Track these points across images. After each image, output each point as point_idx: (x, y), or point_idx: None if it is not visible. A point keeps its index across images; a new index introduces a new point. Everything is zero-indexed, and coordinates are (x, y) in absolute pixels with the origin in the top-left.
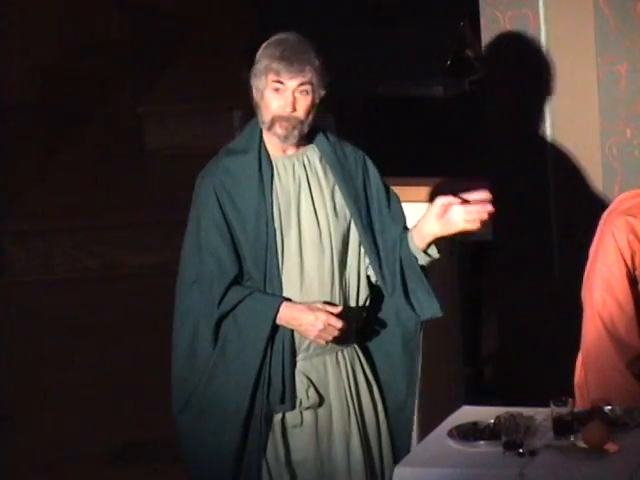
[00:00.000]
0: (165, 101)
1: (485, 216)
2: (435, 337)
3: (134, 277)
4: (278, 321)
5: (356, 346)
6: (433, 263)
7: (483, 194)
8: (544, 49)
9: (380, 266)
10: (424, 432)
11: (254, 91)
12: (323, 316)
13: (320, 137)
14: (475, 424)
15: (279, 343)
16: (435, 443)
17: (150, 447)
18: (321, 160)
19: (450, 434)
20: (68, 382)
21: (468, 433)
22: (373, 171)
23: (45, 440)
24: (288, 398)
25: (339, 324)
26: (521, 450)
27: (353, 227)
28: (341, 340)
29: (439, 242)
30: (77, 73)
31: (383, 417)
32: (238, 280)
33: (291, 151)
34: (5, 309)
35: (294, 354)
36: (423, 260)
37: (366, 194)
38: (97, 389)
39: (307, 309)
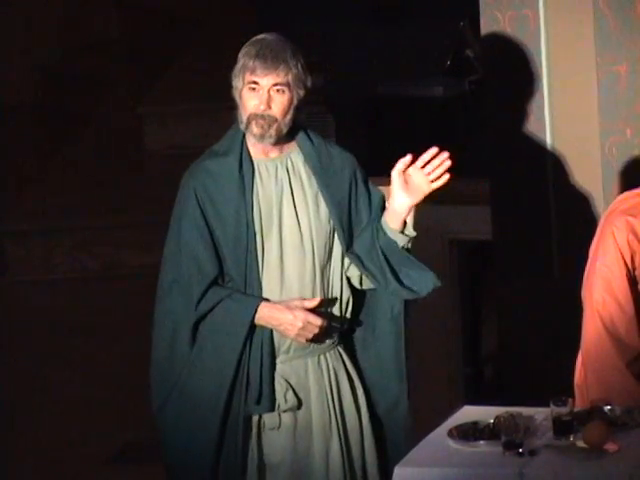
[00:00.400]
0: (165, 101)
1: (448, 164)
2: (435, 337)
3: (134, 277)
4: (257, 321)
5: (340, 349)
6: (415, 243)
7: (431, 150)
8: (544, 49)
9: (364, 266)
10: (424, 432)
11: (233, 91)
12: (302, 315)
13: (303, 139)
14: (475, 424)
15: (257, 344)
16: (435, 443)
17: (150, 447)
18: (305, 163)
19: (450, 434)
20: (68, 382)
21: (468, 433)
22: (361, 174)
23: (45, 440)
24: (265, 400)
25: (318, 321)
26: (521, 450)
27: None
28: (322, 339)
29: (412, 220)
30: (77, 73)
31: (367, 421)
32: (218, 282)
33: (274, 154)
34: (5, 309)
35: (273, 356)
36: (402, 241)
37: (350, 197)
38: (97, 389)
39: (286, 308)
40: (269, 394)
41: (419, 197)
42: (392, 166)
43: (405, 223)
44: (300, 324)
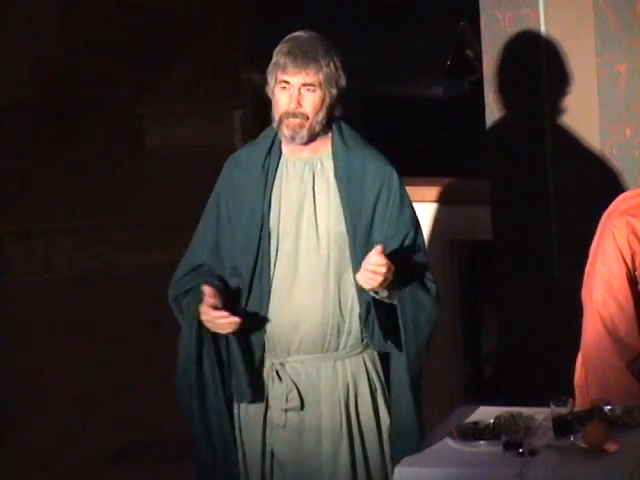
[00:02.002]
0: (165, 101)
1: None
2: (435, 337)
3: (134, 277)
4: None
5: (366, 356)
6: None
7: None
8: (544, 49)
9: (359, 290)
10: (424, 432)
11: (267, 89)
12: (202, 310)
13: (339, 143)
14: (475, 424)
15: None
16: (435, 443)
17: (150, 447)
18: (335, 169)
19: (450, 434)
20: (68, 382)
21: (468, 433)
22: (396, 188)
23: (45, 440)
24: (244, 389)
25: (211, 315)
26: (521, 450)
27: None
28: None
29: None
30: (77, 73)
31: (386, 431)
32: (206, 269)
33: (306, 153)
34: (5, 309)
35: (256, 348)
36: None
37: (375, 211)
38: (97, 389)
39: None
40: (247, 384)
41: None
42: (392, 166)
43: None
44: (205, 317)
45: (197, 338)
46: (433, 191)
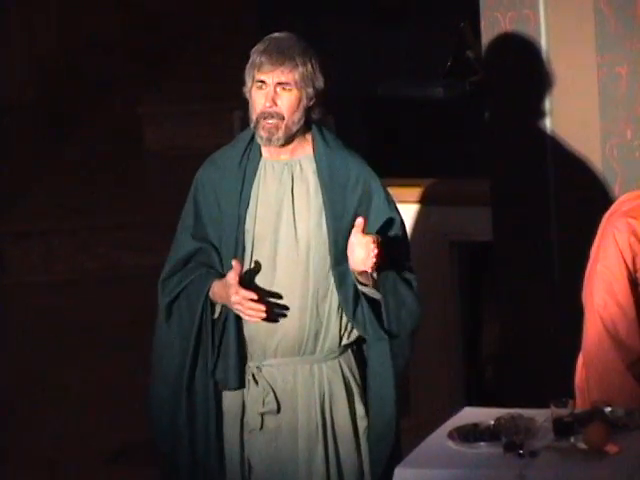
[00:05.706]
0: (165, 101)
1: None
2: (436, 338)
3: (134, 277)
4: (212, 297)
5: (342, 360)
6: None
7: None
8: (544, 50)
9: (340, 287)
10: (424, 433)
11: (244, 91)
12: (233, 291)
13: (320, 146)
14: (475, 425)
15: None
16: (435, 444)
17: (150, 447)
18: (315, 172)
19: (450, 435)
20: (68, 382)
21: (468, 434)
22: (381, 192)
23: (45, 440)
24: (230, 373)
25: (250, 295)
26: (521, 451)
27: None
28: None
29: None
30: (77, 73)
31: (364, 435)
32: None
33: (285, 156)
34: (5, 309)
35: (240, 328)
36: (360, 286)
37: (357, 214)
38: (97, 389)
39: (228, 285)
40: (234, 368)
41: (354, 266)
42: (392, 166)
43: (361, 278)
44: (236, 298)
45: (200, 319)
46: (433, 192)
